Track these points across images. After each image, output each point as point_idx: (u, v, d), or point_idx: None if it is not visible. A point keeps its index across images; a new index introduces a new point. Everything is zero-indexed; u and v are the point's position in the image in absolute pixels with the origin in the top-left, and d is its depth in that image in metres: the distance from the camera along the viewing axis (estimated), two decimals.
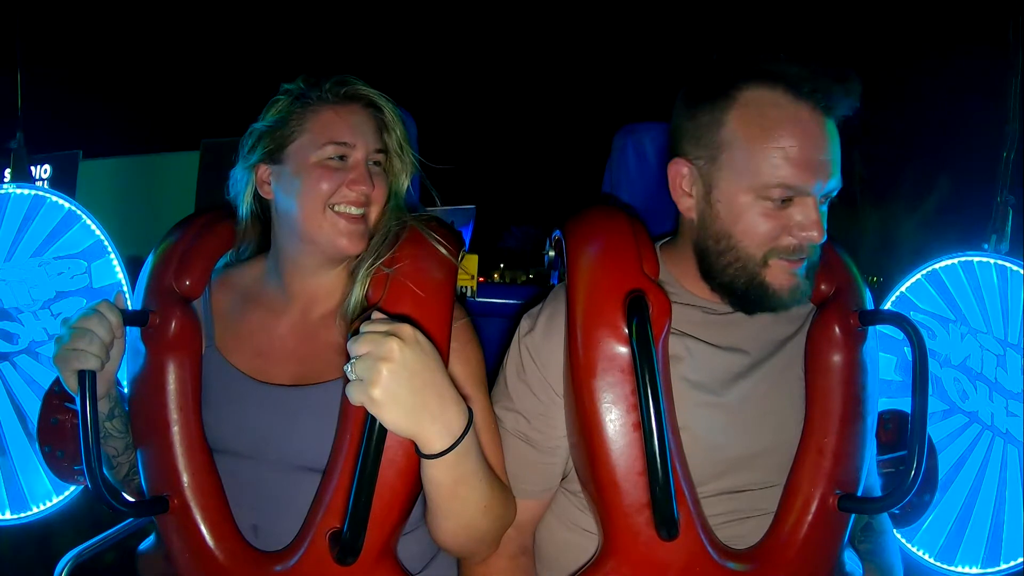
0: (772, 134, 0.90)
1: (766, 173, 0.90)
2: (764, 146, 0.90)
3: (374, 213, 1.04)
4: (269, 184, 1.04)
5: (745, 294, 0.97)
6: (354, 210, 1.01)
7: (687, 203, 0.99)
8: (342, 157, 1.01)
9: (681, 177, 0.99)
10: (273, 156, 1.03)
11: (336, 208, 1.00)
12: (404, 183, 1.10)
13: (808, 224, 0.92)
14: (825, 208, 0.95)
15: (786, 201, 0.92)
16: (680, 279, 1.05)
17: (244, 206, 1.08)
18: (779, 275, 0.95)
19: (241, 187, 1.07)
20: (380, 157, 1.05)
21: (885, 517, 1.13)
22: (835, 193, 0.95)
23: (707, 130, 0.95)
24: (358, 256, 1.03)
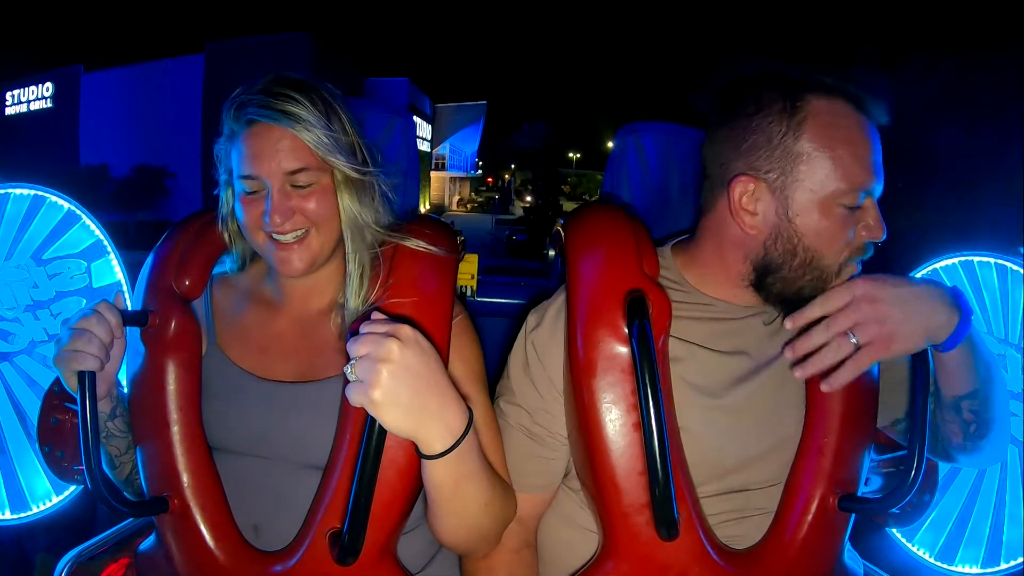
0: (848, 141, 0.92)
1: (845, 180, 0.92)
2: (841, 153, 0.92)
3: (317, 235, 0.99)
4: None
5: (808, 300, 0.95)
6: (283, 238, 0.98)
7: (750, 220, 0.96)
8: (256, 189, 0.97)
9: (746, 194, 0.96)
10: (228, 181, 1.03)
11: (272, 235, 0.98)
12: (356, 196, 1.00)
13: (876, 223, 0.94)
14: None
15: (857, 206, 0.93)
16: (696, 282, 1.04)
17: (229, 220, 1.07)
18: (845, 279, 0.96)
19: (221, 200, 1.06)
20: (305, 178, 0.96)
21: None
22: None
23: (780, 142, 0.93)
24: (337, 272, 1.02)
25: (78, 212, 1.53)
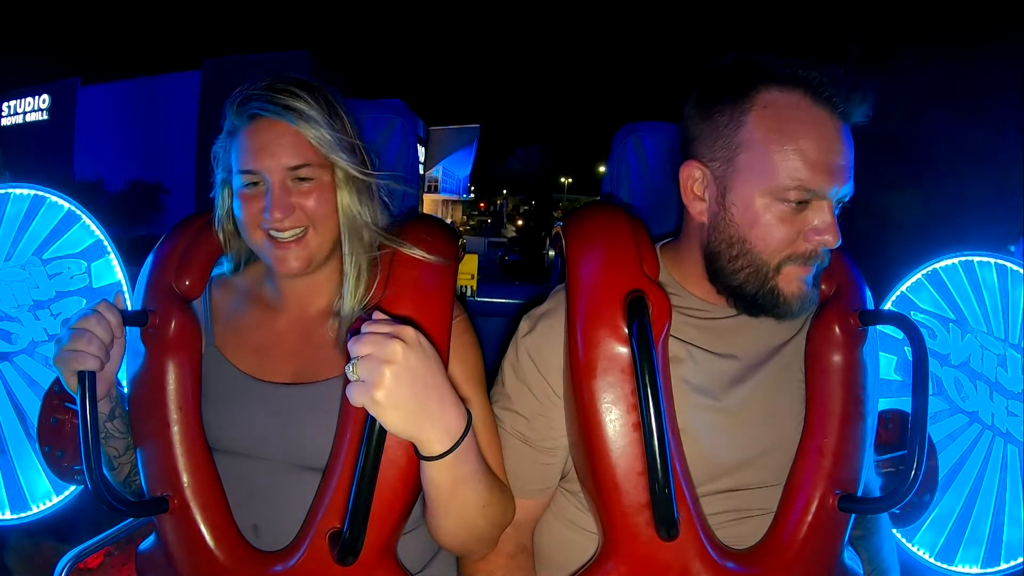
0: (791, 136, 0.90)
1: (784, 174, 0.90)
2: (783, 147, 0.90)
3: (315, 234, 0.99)
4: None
5: (754, 299, 0.96)
6: (281, 235, 0.97)
7: (699, 207, 0.98)
8: (255, 183, 0.97)
9: (693, 180, 0.98)
10: (225, 180, 1.03)
11: (270, 232, 0.98)
12: (355, 195, 1.00)
13: (824, 227, 0.91)
14: (837, 213, 0.94)
15: (801, 204, 0.91)
16: (681, 281, 1.05)
17: (224, 220, 1.07)
18: (791, 282, 0.94)
19: (217, 201, 1.06)
20: (308, 172, 0.97)
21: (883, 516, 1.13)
22: (847, 199, 0.94)
23: (724, 132, 0.94)
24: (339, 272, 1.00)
25: (78, 212, 1.53)
